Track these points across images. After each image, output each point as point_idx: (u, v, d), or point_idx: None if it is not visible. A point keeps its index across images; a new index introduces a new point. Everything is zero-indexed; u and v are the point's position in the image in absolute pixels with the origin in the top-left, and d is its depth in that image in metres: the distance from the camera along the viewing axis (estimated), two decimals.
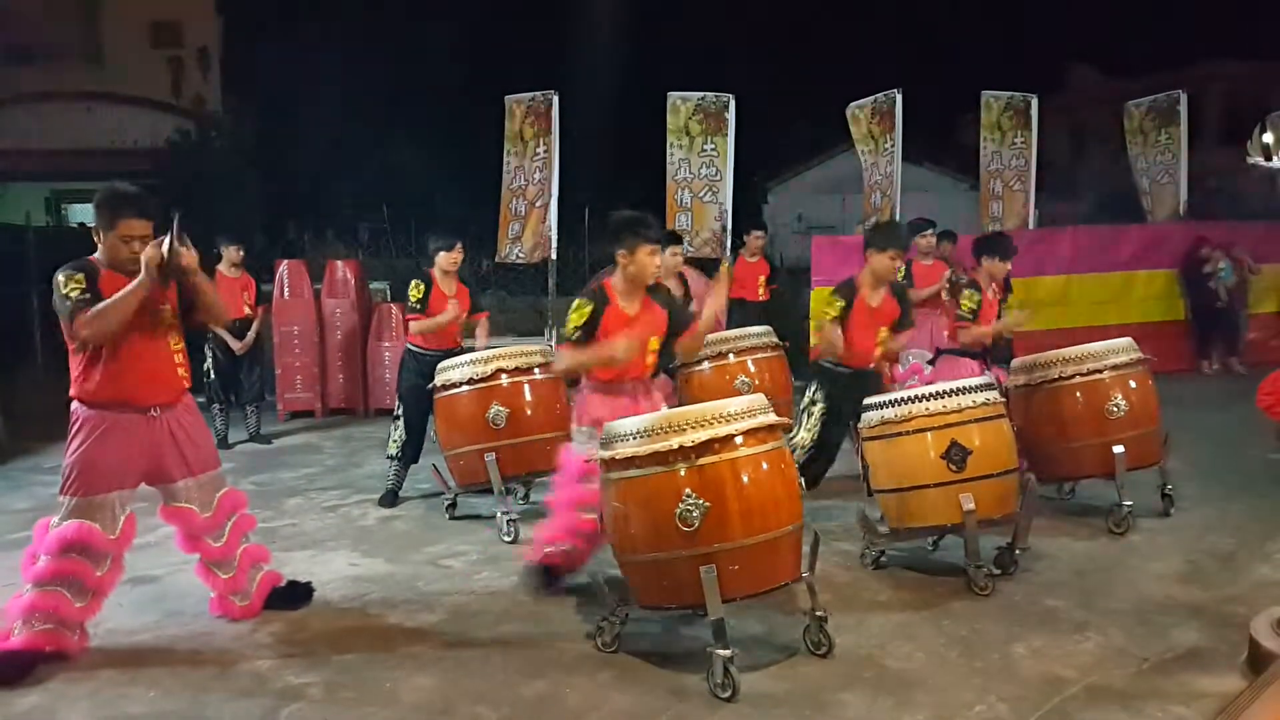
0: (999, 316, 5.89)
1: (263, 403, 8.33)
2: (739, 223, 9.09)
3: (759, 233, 8.52)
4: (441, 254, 5.87)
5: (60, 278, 3.64)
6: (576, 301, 4.16)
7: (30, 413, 8.24)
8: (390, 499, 6.04)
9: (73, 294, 3.60)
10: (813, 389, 5.34)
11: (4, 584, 4.33)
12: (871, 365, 5.26)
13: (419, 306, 5.81)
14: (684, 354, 4.75)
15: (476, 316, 6.18)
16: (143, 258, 3.61)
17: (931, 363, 6.10)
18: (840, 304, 5.10)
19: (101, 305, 3.59)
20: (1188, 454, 6.17)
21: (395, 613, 4.22)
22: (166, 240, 3.61)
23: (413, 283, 5.88)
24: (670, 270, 7.31)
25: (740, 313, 8.32)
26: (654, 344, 4.28)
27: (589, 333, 4.12)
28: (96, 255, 3.78)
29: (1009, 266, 5.88)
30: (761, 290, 8.34)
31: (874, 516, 4.69)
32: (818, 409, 5.26)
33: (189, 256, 3.69)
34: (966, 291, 5.73)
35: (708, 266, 9.27)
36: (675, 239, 7.25)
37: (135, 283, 3.60)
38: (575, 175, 10.67)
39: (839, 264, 9.69)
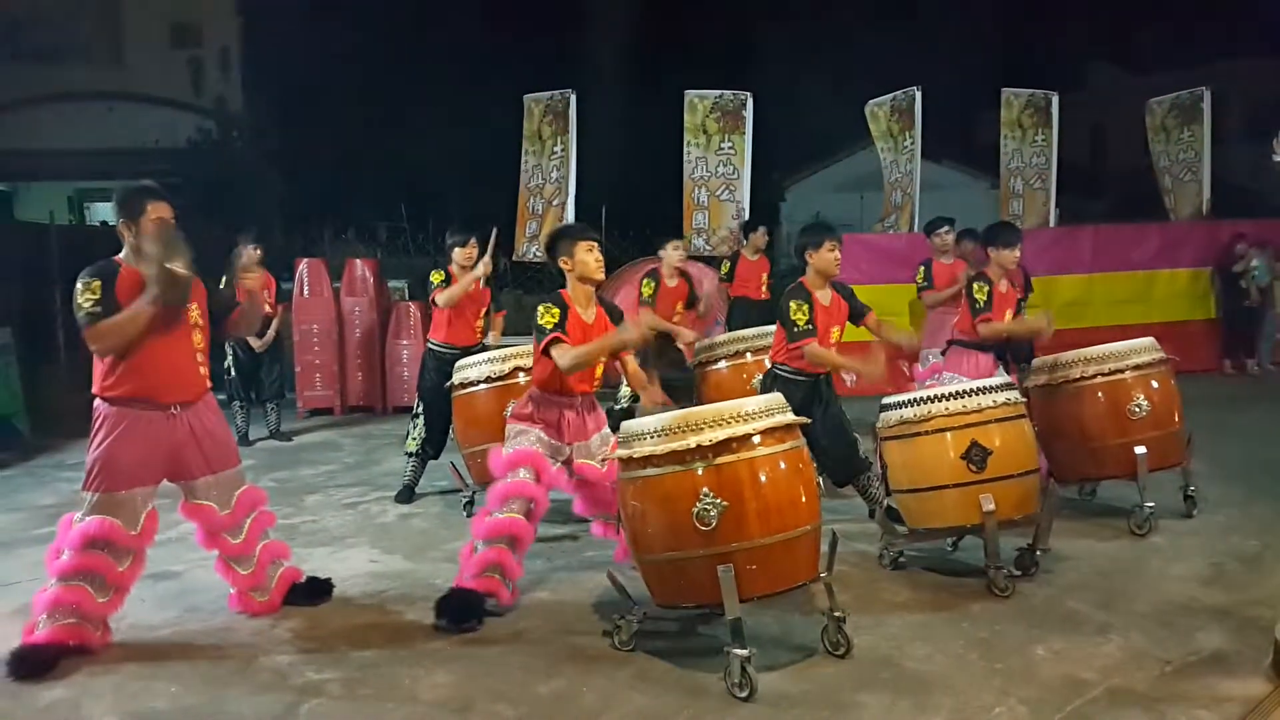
0: (1018, 313, 5.80)
1: (282, 400, 8.40)
2: (757, 221, 9.09)
3: (763, 229, 8.62)
4: (457, 250, 6.00)
5: (79, 285, 3.70)
6: (542, 306, 4.16)
7: (54, 410, 8.33)
8: (407, 495, 6.08)
9: (85, 304, 3.66)
10: None
11: (29, 579, 4.39)
12: (825, 371, 5.05)
13: (443, 285, 5.89)
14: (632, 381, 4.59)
15: (495, 316, 6.37)
16: (147, 276, 3.67)
17: (943, 353, 5.99)
18: (807, 307, 4.87)
19: (107, 324, 3.64)
20: (1211, 454, 6.12)
21: (414, 610, 4.23)
22: (155, 268, 3.66)
23: (434, 270, 6.03)
24: (670, 265, 7.42)
25: (742, 311, 8.26)
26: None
27: (564, 331, 4.10)
28: (121, 254, 3.82)
29: (1017, 254, 5.62)
30: (763, 289, 8.38)
31: (892, 517, 4.67)
32: None
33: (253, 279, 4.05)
34: (975, 285, 5.57)
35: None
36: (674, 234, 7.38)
37: (138, 305, 3.65)
38: (592, 174, 10.68)
39: (858, 262, 9.66)
